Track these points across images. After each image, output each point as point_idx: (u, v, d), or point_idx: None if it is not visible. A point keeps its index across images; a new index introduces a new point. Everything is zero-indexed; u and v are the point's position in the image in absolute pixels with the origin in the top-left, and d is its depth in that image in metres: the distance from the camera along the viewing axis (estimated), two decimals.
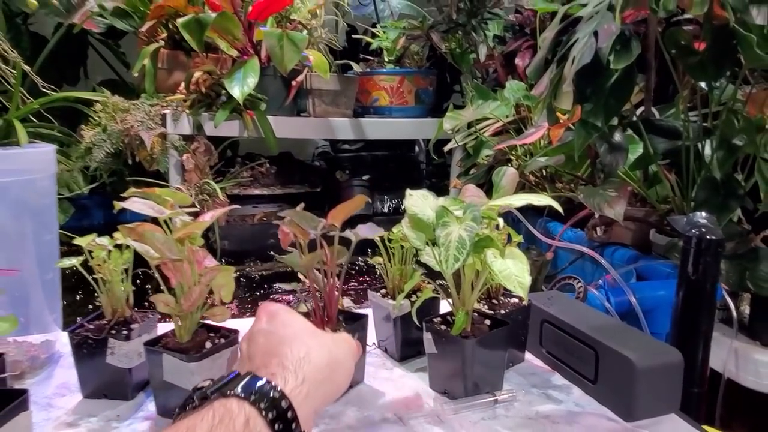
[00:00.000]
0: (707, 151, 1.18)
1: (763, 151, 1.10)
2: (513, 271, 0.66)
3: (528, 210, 1.58)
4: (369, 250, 0.87)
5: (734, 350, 1.10)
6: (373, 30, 2.33)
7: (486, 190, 0.80)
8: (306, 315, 0.71)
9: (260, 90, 1.89)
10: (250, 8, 1.85)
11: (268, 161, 2.39)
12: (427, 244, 0.73)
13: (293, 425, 0.46)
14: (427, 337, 0.74)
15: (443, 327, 0.75)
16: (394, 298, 0.84)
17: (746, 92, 1.16)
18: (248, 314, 1.57)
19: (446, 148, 2.02)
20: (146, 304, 0.79)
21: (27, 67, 1.87)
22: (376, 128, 2.19)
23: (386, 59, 2.25)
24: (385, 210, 2.52)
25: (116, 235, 0.70)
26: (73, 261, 0.71)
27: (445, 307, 0.83)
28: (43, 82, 1.90)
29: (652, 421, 0.69)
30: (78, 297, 1.62)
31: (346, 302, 1.66)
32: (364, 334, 0.78)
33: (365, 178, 2.56)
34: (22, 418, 0.55)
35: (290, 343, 0.53)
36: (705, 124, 1.18)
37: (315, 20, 2.09)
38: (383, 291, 0.88)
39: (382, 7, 2.51)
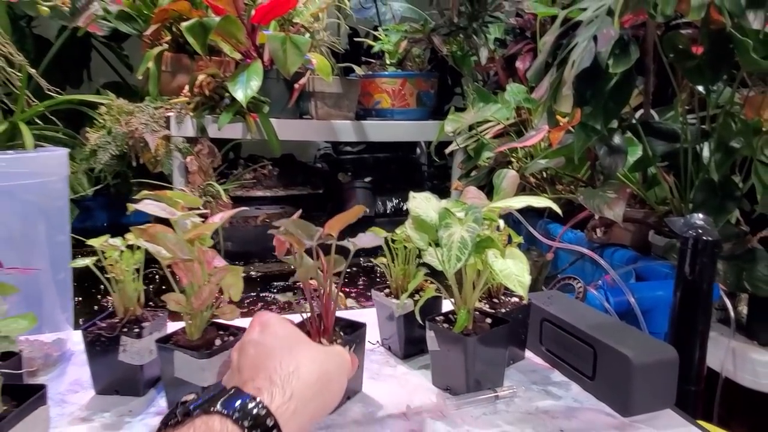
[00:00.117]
0: (705, 153, 1.19)
1: (759, 153, 1.11)
2: (513, 270, 0.68)
3: (528, 211, 1.60)
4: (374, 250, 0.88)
5: (732, 350, 1.12)
6: (375, 33, 2.34)
7: (487, 192, 0.82)
8: (302, 324, 0.72)
9: (263, 93, 1.91)
10: (254, 12, 1.87)
11: (271, 163, 2.41)
12: (430, 244, 0.74)
13: None
14: (430, 334, 0.76)
15: (445, 325, 0.76)
16: (397, 297, 0.86)
17: (743, 95, 1.17)
18: (250, 314, 1.59)
19: (447, 151, 2.04)
20: (150, 303, 0.81)
21: (32, 70, 1.89)
22: (378, 130, 2.21)
23: (388, 62, 2.27)
24: (387, 211, 2.54)
25: (128, 235, 0.72)
26: (87, 261, 0.73)
27: (447, 306, 0.85)
28: (48, 84, 1.92)
29: (649, 416, 0.71)
30: (80, 298, 1.64)
31: (350, 302, 1.68)
32: (362, 345, 0.76)
33: (367, 179, 2.57)
34: (41, 411, 0.57)
35: (280, 356, 0.51)
36: (703, 127, 1.19)
37: (317, 23, 2.11)
38: (387, 290, 0.90)
39: (383, 11, 2.53)
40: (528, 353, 0.89)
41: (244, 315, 0.76)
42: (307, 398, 0.49)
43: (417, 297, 0.82)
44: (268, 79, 1.91)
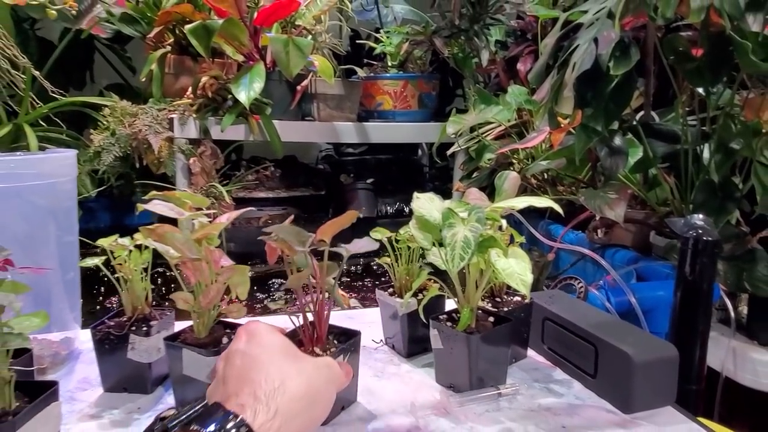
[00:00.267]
0: (705, 154, 1.20)
1: (759, 154, 1.12)
2: (516, 269, 0.69)
3: (530, 212, 1.60)
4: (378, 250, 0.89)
5: (732, 349, 1.12)
6: (377, 35, 2.36)
7: (488, 193, 0.83)
8: (295, 333, 0.71)
9: (266, 94, 1.92)
10: (256, 14, 1.89)
11: (273, 164, 2.43)
12: (434, 244, 0.75)
13: None
14: (434, 333, 0.77)
15: (449, 324, 0.77)
16: (401, 296, 0.87)
17: (743, 97, 1.18)
18: (251, 314, 1.60)
19: (449, 152, 2.05)
20: (154, 303, 0.82)
21: (36, 72, 1.90)
22: (380, 132, 2.22)
23: (390, 64, 2.28)
24: (389, 213, 2.55)
25: (137, 235, 0.73)
26: (96, 260, 0.74)
27: (450, 305, 0.86)
28: (51, 86, 1.94)
29: (649, 413, 0.72)
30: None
31: (353, 302, 1.69)
32: (356, 353, 0.74)
33: (369, 181, 2.59)
34: (53, 407, 0.58)
35: (266, 369, 0.49)
36: (703, 129, 1.20)
37: (319, 26, 2.12)
38: (390, 290, 0.91)
39: (385, 13, 2.54)
40: (530, 352, 0.90)
41: (248, 316, 0.77)
42: (293, 414, 0.48)
43: (420, 296, 0.83)
44: (271, 81, 1.93)
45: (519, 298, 0.90)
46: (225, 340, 0.71)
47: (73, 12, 1.95)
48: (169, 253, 0.68)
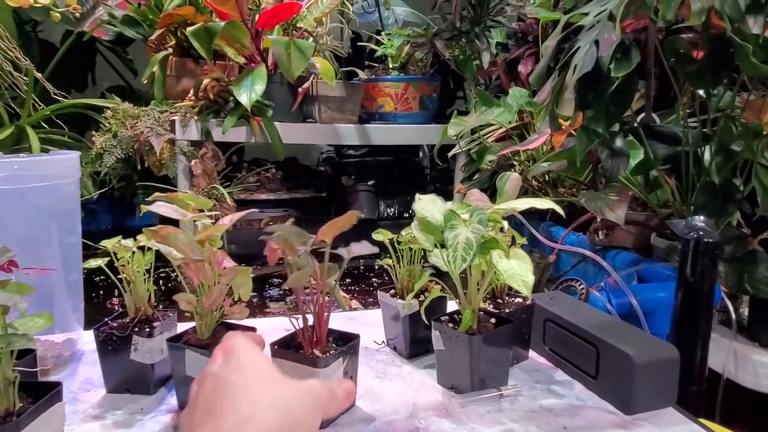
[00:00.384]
0: (706, 156, 1.20)
1: (760, 156, 1.12)
2: (517, 270, 0.69)
3: (531, 214, 1.61)
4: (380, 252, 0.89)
5: (733, 351, 1.12)
6: (378, 37, 2.36)
7: (489, 194, 0.83)
8: (294, 335, 0.71)
9: (267, 96, 1.93)
10: (258, 17, 1.89)
11: (274, 166, 2.43)
12: (436, 245, 0.75)
13: None
14: (435, 334, 0.78)
15: (450, 325, 0.77)
16: (402, 297, 0.88)
17: (744, 99, 1.18)
18: (251, 316, 1.61)
19: (450, 154, 2.05)
20: (157, 304, 0.83)
21: (39, 74, 1.91)
22: (381, 134, 2.22)
23: (391, 66, 2.28)
24: (390, 215, 2.55)
25: (140, 237, 0.74)
26: (99, 262, 0.74)
27: (452, 306, 0.86)
28: (54, 88, 1.94)
29: (651, 414, 0.72)
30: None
31: (354, 303, 1.69)
32: (355, 357, 0.72)
33: (370, 183, 2.59)
34: (57, 408, 0.59)
35: (237, 398, 0.44)
36: (704, 130, 1.20)
37: (321, 28, 2.13)
38: (392, 291, 0.91)
39: (386, 15, 2.55)
40: (532, 353, 0.91)
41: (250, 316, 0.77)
42: None
43: (422, 297, 0.83)
44: (272, 83, 1.93)
45: (520, 300, 0.90)
46: None
47: (76, 14, 1.96)
48: (172, 254, 0.68)
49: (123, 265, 0.74)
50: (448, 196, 2.02)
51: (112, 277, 0.75)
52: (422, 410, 0.72)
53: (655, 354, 0.73)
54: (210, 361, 0.49)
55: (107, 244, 0.74)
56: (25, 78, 1.88)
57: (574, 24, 1.12)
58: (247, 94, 1.81)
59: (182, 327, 0.78)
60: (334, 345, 0.71)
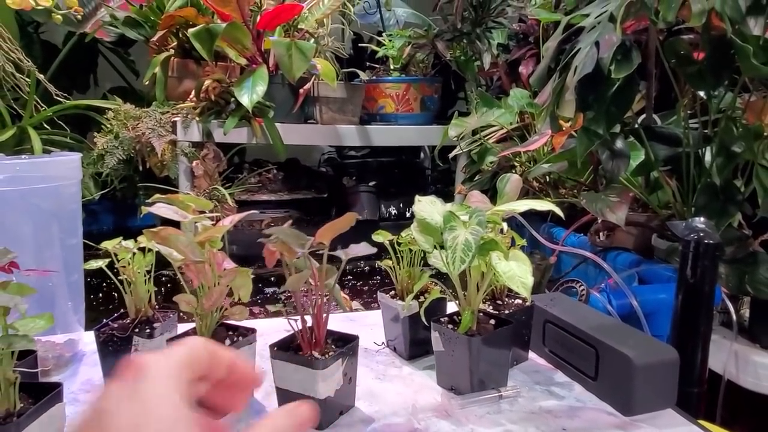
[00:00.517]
0: (707, 157, 1.20)
1: (761, 157, 1.12)
2: (516, 272, 0.69)
3: (532, 215, 1.61)
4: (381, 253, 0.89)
5: (734, 352, 1.12)
6: (379, 38, 2.36)
7: (490, 195, 0.83)
8: (293, 337, 0.71)
9: (268, 98, 1.93)
10: (259, 18, 1.90)
11: (276, 167, 2.44)
12: (435, 247, 0.76)
13: None
14: (435, 335, 0.78)
15: (450, 326, 0.78)
16: (402, 299, 0.88)
17: (745, 100, 1.18)
18: (251, 317, 1.61)
19: (451, 155, 2.05)
20: (157, 305, 0.83)
21: (41, 76, 1.91)
22: (382, 135, 2.22)
23: (392, 67, 2.29)
24: (391, 215, 2.55)
25: (140, 238, 0.74)
26: (100, 263, 0.75)
27: (451, 307, 0.86)
28: (56, 89, 1.95)
29: (650, 415, 0.73)
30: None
31: (355, 304, 1.69)
32: (354, 358, 0.72)
33: (371, 184, 2.59)
34: (57, 409, 0.59)
35: None
36: (705, 132, 1.20)
37: (322, 29, 2.13)
38: (392, 292, 0.91)
39: (387, 16, 2.55)
40: (531, 354, 0.91)
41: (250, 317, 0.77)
42: None
43: (422, 299, 0.83)
44: (274, 84, 1.94)
45: (520, 301, 0.90)
46: (227, 342, 0.72)
47: (78, 16, 1.97)
48: (173, 255, 0.68)
49: (123, 267, 0.74)
50: (449, 197, 2.03)
51: (113, 278, 0.75)
52: (422, 411, 0.73)
53: (654, 356, 0.73)
54: (117, 376, 0.33)
55: (108, 245, 0.74)
56: (27, 79, 1.88)
57: (575, 25, 1.12)
58: (248, 95, 1.81)
59: (182, 328, 0.79)
60: (333, 346, 0.71)
